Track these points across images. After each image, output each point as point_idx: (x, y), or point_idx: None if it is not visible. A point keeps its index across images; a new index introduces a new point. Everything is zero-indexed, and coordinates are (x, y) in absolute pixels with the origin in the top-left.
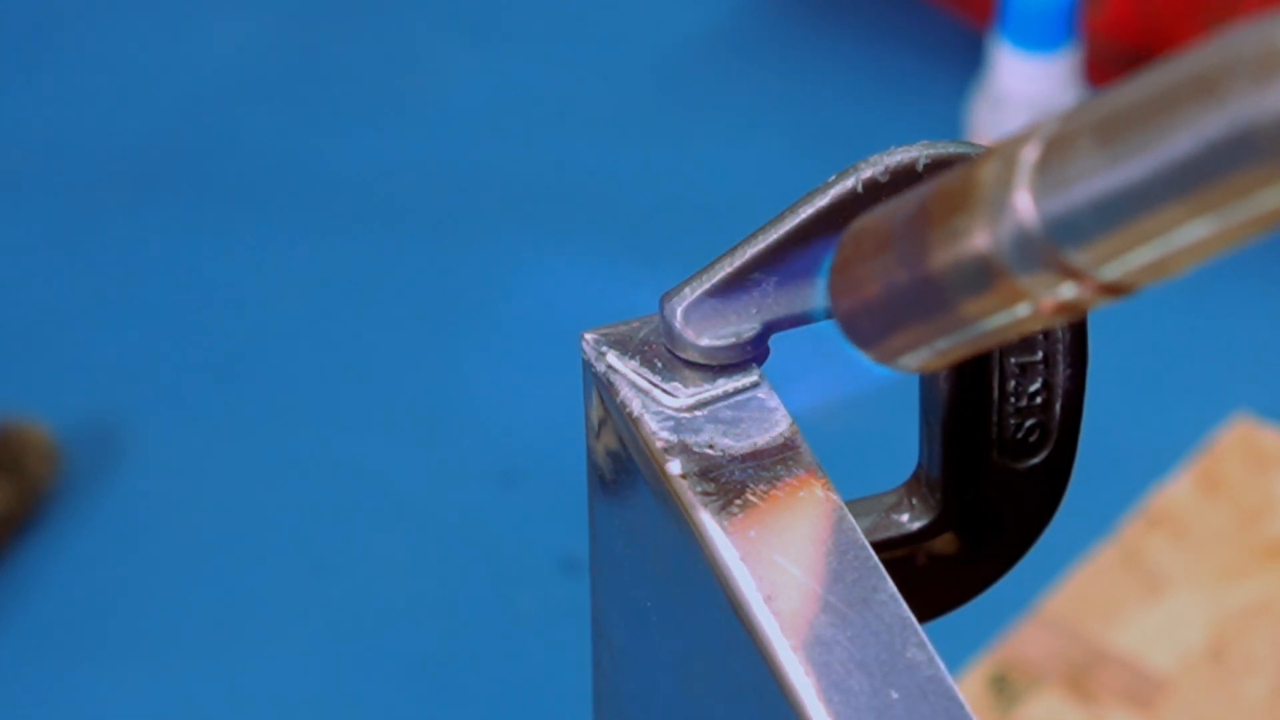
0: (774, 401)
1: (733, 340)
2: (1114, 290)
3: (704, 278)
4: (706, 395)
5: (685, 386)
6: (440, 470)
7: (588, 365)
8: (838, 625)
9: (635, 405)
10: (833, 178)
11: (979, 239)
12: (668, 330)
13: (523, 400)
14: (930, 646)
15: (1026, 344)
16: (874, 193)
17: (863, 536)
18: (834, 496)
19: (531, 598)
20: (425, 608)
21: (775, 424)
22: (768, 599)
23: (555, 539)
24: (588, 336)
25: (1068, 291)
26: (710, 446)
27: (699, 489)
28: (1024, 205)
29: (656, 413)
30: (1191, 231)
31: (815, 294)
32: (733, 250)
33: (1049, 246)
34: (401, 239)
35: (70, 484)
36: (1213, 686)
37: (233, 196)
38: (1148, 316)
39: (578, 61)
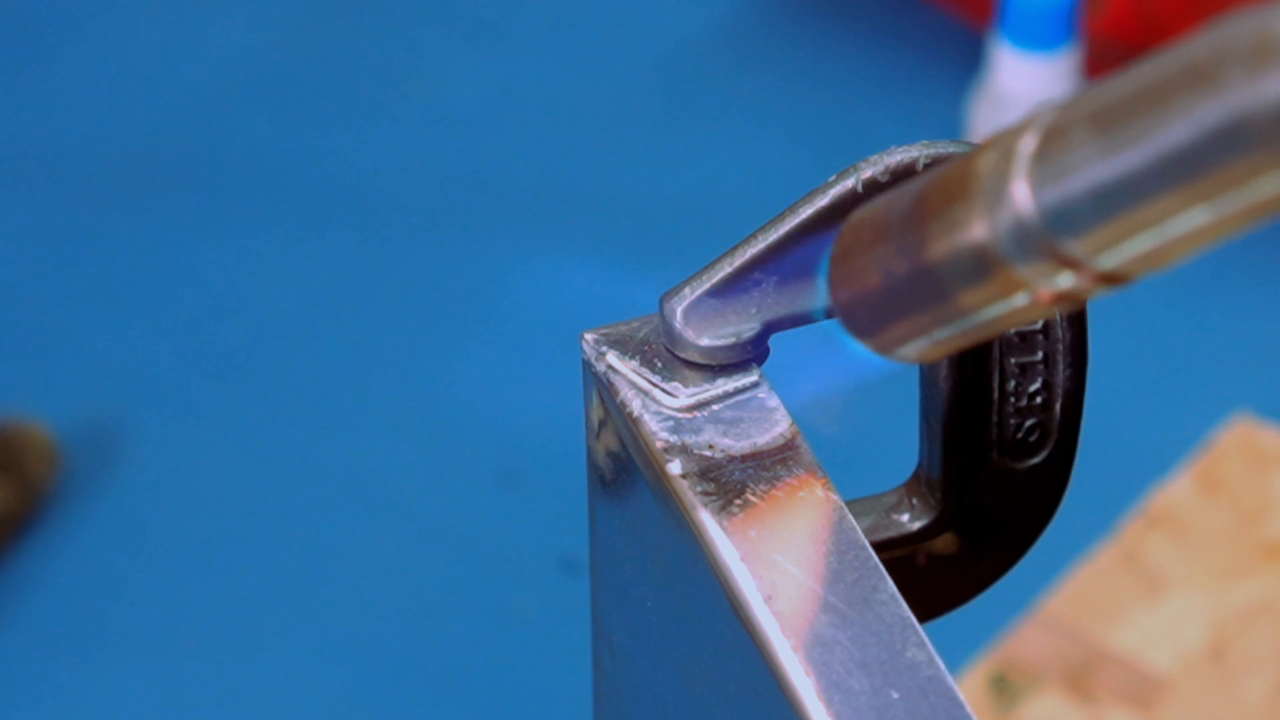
0: (774, 401)
1: (733, 340)
2: (1112, 279)
3: (704, 278)
4: (706, 395)
5: (685, 386)
6: (440, 470)
7: (588, 365)
8: (838, 625)
9: (635, 405)
10: (833, 178)
11: (977, 229)
12: (668, 330)
13: (523, 400)
14: (930, 646)
15: (1026, 344)
16: (874, 193)
17: (863, 536)
18: (834, 496)
19: (531, 598)
20: (425, 608)
21: (775, 424)
22: (768, 599)
23: (555, 539)
24: (588, 336)
25: (1065, 281)
26: (710, 446)
27: (699, 489)
28: (1021, 195)
29: (656, 413)
30: (1188, 220)
31: (815, 293)
32: (733, 250)
33: (1046, 236)
34: (401, 239)
35: (70, 484)
36: (1213, 686)
37: (233, 196)
38: (1148, 316)
39: (578, 61)
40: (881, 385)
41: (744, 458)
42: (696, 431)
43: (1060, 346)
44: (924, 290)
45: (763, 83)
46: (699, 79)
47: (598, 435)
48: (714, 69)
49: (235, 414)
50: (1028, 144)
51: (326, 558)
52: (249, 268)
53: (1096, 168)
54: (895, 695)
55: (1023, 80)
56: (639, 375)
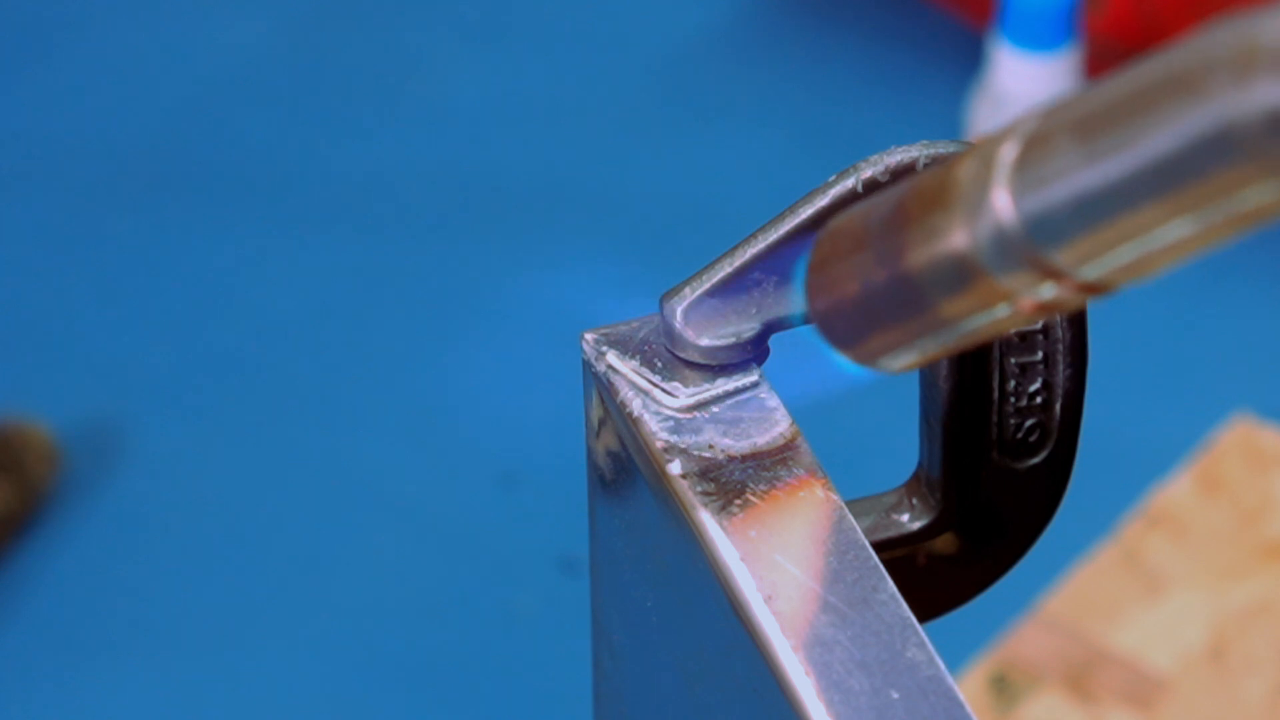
0: (774, 401)
1: (733, 340)
2: (1094, 289)
3: (704, 278)
4: (706, 395)
5: (685, 386)
6: (440, 470)
7: (588, 365)
8: (838, 625)
9: (635, 405)
10: (833, 178)
11: (957, 238)
12: (668, 330)
13: (523, 400)
14: (930, 646)
15: (1026, 344)
16: (874, 192)
17: (863, 536)
18: (834, 496)
19: (531, 598)
20: (425, 608)
21: (775, 424)
22: (768, 599)
23: (555, 539)
24: (588, 336)
25: (1047, 292)
26: (710, 447)
27: (699, 489)
28: (1002, 204)
29: (656, 413)
30: (1171, 231)
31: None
32: (733, 250)
33: (1027, 245)
34: (402, 239)
35: (70, 484)
36: (1213, 686)
37: (233, 196)
38: (1148, 316)
39: (578, 62)
40: (881, 386)
41: (744, 458)
42: (696, 431)
43: (1060, 346)
44: (903, 300)
45: (763, 83)
46: (699, 79)
47: (598, 435)
48: (714, 69)
49: (235, 414)
50: (1009, 152)
51: (327, 558)
52: (249, 268)
53: (1079, 176)
54: (895, 695)
55: (1023, 80)
56: (639, 375)
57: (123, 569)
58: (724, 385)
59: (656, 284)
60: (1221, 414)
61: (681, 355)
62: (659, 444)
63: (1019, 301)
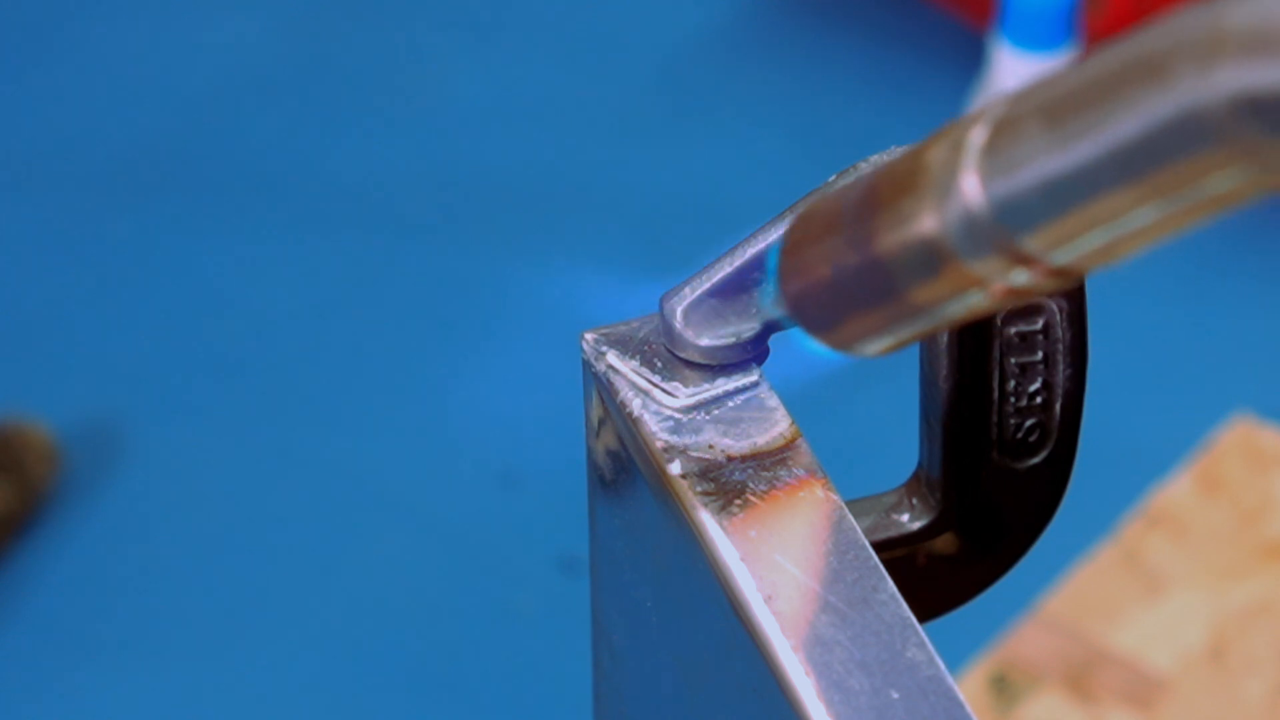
0: (774, 401)
1: (733, 340)
2: (1064, 274)
3: (704, 278)
4: (706, 395)
5: (685, 386)
6: (440, 470)
7: (588, 365)
8: (838, 625)
9: (635, 405)
10: (833, 178)
11: (926, 222)
12: (668, 330)
13: (523, 400)
14: (930, 646)
15: (1026, 344)
16: None
17: (863, 536)
18: (834, 496)
19: (531, 598)
20: (425, 608)
21: (775, 424)
22: (768, 599)
23: (555, 539)
24: (588, 336)
25: (1018, 277)
26: (710, 447)
27: (699, 489)
28: (971, 188)
29: (656, 413)
30: (1140, 215)
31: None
32: (733, 250)
33: (996, 229)
34: (401, 239)
35: (70, 484)
36: (1213, 686)
37: (233, 196)
38: (1148, 316)
39: (578, 61)
40: (881, 386)
41: (744, 458)
42: (696, 431)
43: (1060, 346)
44: (875, 285)
45: (763, 83)
46: (699, 79)
47: (598, 435)
48: (714, 69)
49: (235, 414)
50: (978, 136)
51: (327, 557)
52: (249, 268)
53: (1047, 161)
54: (895, 695)
55: (1023, 80)
56: (639, 375)
57: (123, 569)
58: (724, 385)
59: (656, 284)
60: (1221, 414)
61: (681, 355)
62: (659, 444)
63: (989, 285)
